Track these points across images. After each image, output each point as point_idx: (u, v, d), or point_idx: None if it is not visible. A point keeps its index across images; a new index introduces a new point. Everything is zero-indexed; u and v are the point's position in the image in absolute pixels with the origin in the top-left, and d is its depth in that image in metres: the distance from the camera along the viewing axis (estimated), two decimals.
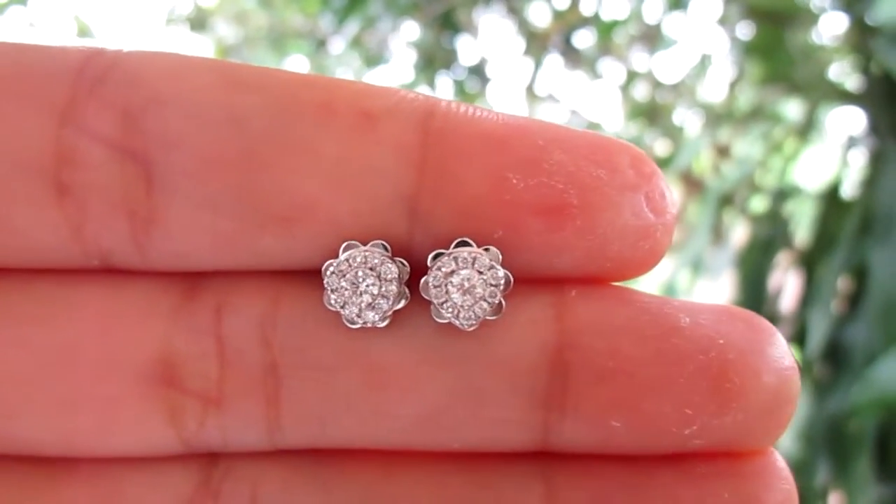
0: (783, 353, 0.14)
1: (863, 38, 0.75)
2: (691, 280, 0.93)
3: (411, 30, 1.20)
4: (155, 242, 0.14)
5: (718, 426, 0.14)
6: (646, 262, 0.14)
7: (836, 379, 0.68)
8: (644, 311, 0.14)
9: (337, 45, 1.24)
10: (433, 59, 1.19)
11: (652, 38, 1.09)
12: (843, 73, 0.89)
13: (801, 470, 0.67)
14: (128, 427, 0.14)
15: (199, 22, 1.37)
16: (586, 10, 1.08)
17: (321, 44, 1.25)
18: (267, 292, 0.15)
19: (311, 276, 0.14)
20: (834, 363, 0.69)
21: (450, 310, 0.14)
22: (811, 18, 0.85)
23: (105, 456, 0.15)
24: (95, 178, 0.13)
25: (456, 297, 0.14)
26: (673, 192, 0.14)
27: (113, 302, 0.14)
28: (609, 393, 0.14)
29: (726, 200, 0.93)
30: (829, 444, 0.66)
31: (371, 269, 0.14)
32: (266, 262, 0.14)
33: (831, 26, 0.85)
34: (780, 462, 0.15)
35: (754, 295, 0.79)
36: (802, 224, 0.87)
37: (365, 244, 0.14)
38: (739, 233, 0.97)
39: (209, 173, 0.13)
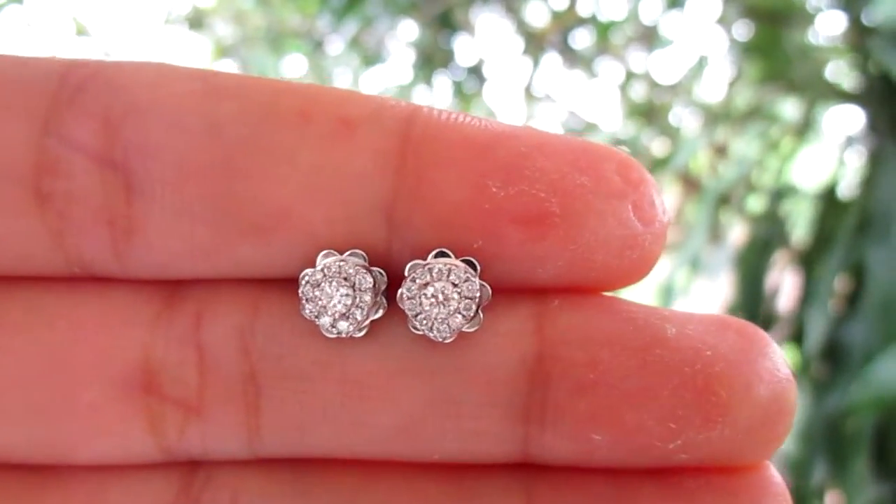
0: (777, 363, 0.14)
1: (860, 37, 0.75)
2: (689, 280, 0.93)
3: (409, 29, 1.20)
4: (135, 251, 0.14)
5: (705, 440, 0.13)
6: (634, 272, 0.14)
7: (834, 378, 0.68)
8: (628, 322, 0.14)
9: (335, 44, 1.24)
10: (431, 59, 1.19)
11: (649, 37, 1.09)
12: (841, 72, 0.89)
13: (799, 469, 0.67)
14: (108, 435, 0.14)
15: (196, 22, 1.36)
16: (584, 10, 1.08)
17: (319, 44, 1.25)
18: (246, 300, 0.14)
19: (289, 285, 0.14)
20: (832, 362, 0.69)
21: (424, 322, 0.14)
22: (808, 18, 0.85)
23: (86, 464, 0.15)
24: (76, 186, 0.13)
25: (429, 309, 0.14)
26: (664, 200, 0.14)
27: (94, 310, 0.14)
28: (589, 405, 0.14)
29: (724, 200, 0.93)
30: (826, 443, 0.66)
31: (345, 278, 0.14)
32: (245, 271, 0.14)
33: (829, 26, 0.85)
34: (775, 476, 0.14)
35: (752, 294, 0.79)
36: (800, 223, 0.87)
37: (342, 253, 0.14)
38: (737, 232, 0.98)
39: (187, 181, 0.13)
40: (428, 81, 1.21)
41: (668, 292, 0.92)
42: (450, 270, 0.14)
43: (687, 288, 0.96)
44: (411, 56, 1.22)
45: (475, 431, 0.14)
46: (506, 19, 1.17)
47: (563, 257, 0.14)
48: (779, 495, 0.14)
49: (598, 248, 0.13)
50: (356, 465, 0.15)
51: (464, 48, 1.19)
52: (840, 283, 0.72)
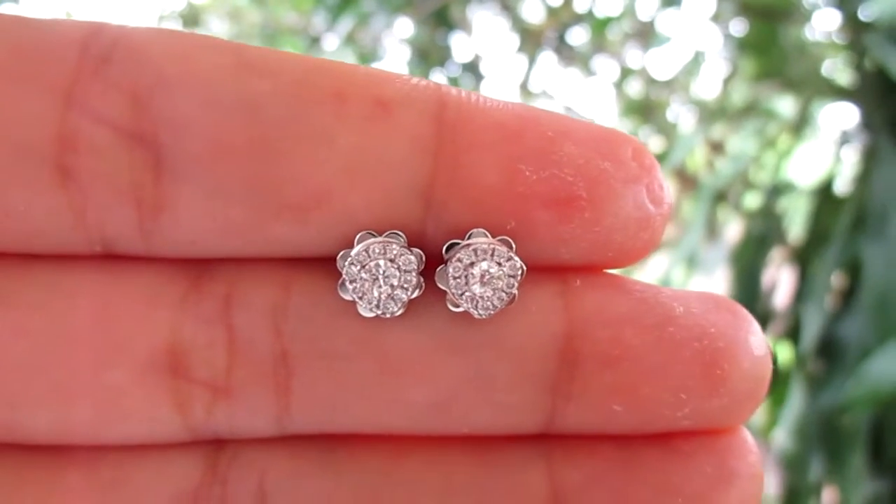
0: (761, 340, 0.15)
1: (856, 34, 0.75)
2: (686, 276, 0.93)
3: (405, 27, 1.20)
4: (162, 229, 0.14)
5: (707, 408, 0.15)
6: (643, 251, 0.15)
7: (830, 374, 0.68)
8: (642, 301, 0.15)
9: (331, 42, 1.23)
10: (427, 56, 1.19)
11: (646, 34, 1.09)
12: (837, 69, 0.90)
13: (795, 465, 0.68)
14: (134, 416, 0.14)
15: (191, 19, 1.36)
16: (580, 6, 1.08)
17: (315, 41, 1.24)
18: (278, 280, 0.14)
19: (322, 264, 0.14)
20: (828, 358, 0.69)
21: (468, 300, 0.14)
22: (804, 15, 0.85)
23: (109, 444, 0.15)
24: (101, 162, 0.13)
25: (476, 287, 0.14)
26: (669, 184, 0.15)
27: (117, 289, 0.14)
28: (613, 379, 0.14)
29: (720, 197, 0.94)
30: (822, 439, 0.66)
31: (390, 259, 0.14)
32: (277, 250, 0.14)
33: (824, 22, 0.85)
34: (748, 436, 0.16)
35: (748, 291, 0.80)
36: (796, 220, 0.87)
37: (379, 234, 0.14)
38: (733, 229, 0.98)
39: (220, 160, 0.13)
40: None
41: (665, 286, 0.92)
42: (493, 249, 0.14)
43: (684, 284, 0.96)
44: (407, 53, 1.21)
45: (507, 405, 0.15)
46: (502, 16, 1.17)
47: (587, 238, 0.14)
48: (754, 452, 0.15)
49: (618, 230, 0.14)
50: (383, 441, 0.15)
51: (460, 45, 1.19)
52: (836, 280, 0.72)
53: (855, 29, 0.75)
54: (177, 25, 1.35)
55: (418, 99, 0.14)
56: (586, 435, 0.15)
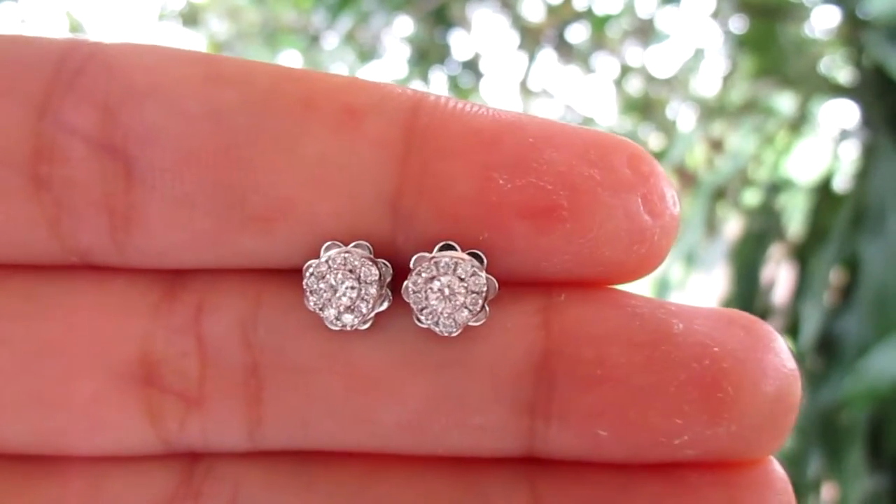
0: (783, 360, 0.14)
1: (854, 31, 0.75)
2: (685, 273, 0.94)
3: (405, 25, 1.20)
4: (134, 240, 0.14)
5: (711, 436, 0.13)
6: (642, 266, 0.14)
7: (829, 371, 0.68)
8: (635, 317, 0.14)
9: (330, 40, 1.24)
10: (427, 55, 1.19)
11: (645, 32, 1.09)
12: (835, 66, 0.90)
13: (794, 462, 0.68)
14: (107, 426, 0.14)
15: (191, 17, 1.36)
16: (579, 4, 1.08)
17: (314, 39, 1.24)
18: (248, 291, 0.14)
19: (293, 276, 0.14)
20: (826, 355, 0.69)
21: (429, 316, 0.14)
22: (803, 12, 0.85)
23: (84, 455, 0.15)
24: (74, 173, 0.13)
25: (435, 303, 0.14)
26: (674, 193, 0.14)
27: (92, 299, 0.14)
28: (596, 401, 0.14)
29: (719, 194, 0.94)
30: (821, 436, 0.67)
31: (350, 270, 0.14)
32: (247, 261, 0.14)
33: (823, 20, 0.85)
34: (778, 471, 0.14)
35: (747, 288, 0.80)
36: (795, 217, 0.87)
37: (346, 244, 0.14)
38: (733, 226, 0.98)
39: (187, 169, 0.13)
40: (424, 77, 1.21)
41: (664, 286, 0.93)
42: (456, 264, 0.13)
43: (683, 282, 0.96)
44: (407, 51, 1.21)
45: (480, 426, 0.14)
46: (501, 14, 1.17)
47: (570, 251, 0.13)
48: (782, 490, 0.14)
49: (606, 242, 0.13)
50: (360, 458, 0.15)
51: (460, 43, 1.19)
52: (835, 276, 0.72)
53: (853, 26, 0.75)
54: (176, 25, 1.35)
55: (389, 106, 0.13)
56: (577, 462, 0.14)
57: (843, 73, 0.87)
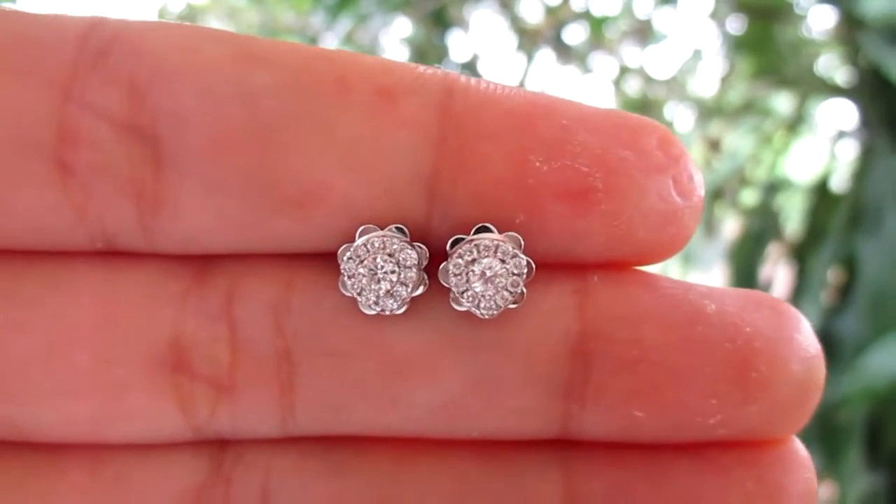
0: (810, 340, 0.14)
1: (851, 32, 0.75)
2: (683, 273, 0.94)
3: (403, 26, 1.20)
4: (163, 225, 0.13)
5: (744, 416, 0.13)
6: (671, 247, 0.14)
7: (827, 369, 0.68)
8: (668, 298, 0.14)
9: (329, 41, 1.24)
10: (425, 56, 1.19)
11: (643, 32, 1.10)
12: (833, 66, 0.90)
13: None
14: (136, 413, 0.14)
15: (190, 19, 1.36)
16: (577, 5, 1.08)
17: (313, 41, 1.24)
18: (280, 276, 0.14)
19: (325, 260, 0.14)
20: (824, 354, 0.69)
21: (470, 299, 0.14)
22: (800, 13, 0.85)
23: (112, 442, 0.14)
24: (100, 157, 0.13)
25: (477, 286, 0.13)
26: (700, 175, 0.14)
27: (120, 285, 0.14)
28: (632, 382, 0.13)
29: (718, 194, 0.94)
30: (819, 434, 0.67)
31: (390, 254, 0.13)
32: (279, 246, 0.14)
33: (820, 20, 0.85)
34: (802, 450, 0.14)
35: (746, 287, 0.80)
36: (793, 217, 0.88)
37: (382, 228, 0.13)
38: (731, 226, 0.98)
39: (219, 153, 0.13)
40: None
41: None
42: (497, 246, 0.13)
43: None
44: (405, 53, 1.22)
45: (516, 409, 0.14)
46: (499, 15, 1.17)
47: (604, 233, 0.13)
48: (806, 467, 0.14)
49: (640, 224, 0.13)
50: (391, 443, 0.15)
51: (458, 44, 1.19)
52: (832, 276, 0.72)
53: (850, 27, 0.75)
54: None
55: (423, 87, 0.13)
56: (608, 443, 0.14)
57: (840, 74, 0.87)
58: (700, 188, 0.14)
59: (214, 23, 1.39)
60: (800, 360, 0.13)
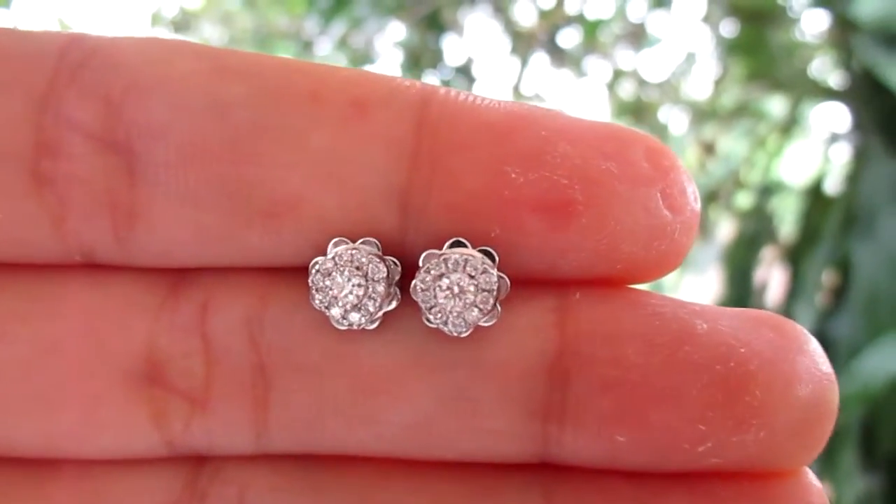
0: (818, 363, 0.13)
1: (844, 35, 0.76)
2: (678, 276, 0.94)
3: (397, 30, 1.20)
4: (138, 237, 0.13)
5: (739, 444, 0.12)
6: (662, 264, 0.13)
7: None
8: (654, 317, 0.13)
9: (323, 45, 1.24)
10: (419, 59, 1.19)
11: (637, 36, 1.10)
12: (826, 69, 0.90)
13: None
14: (111, 427, 0.14)
15: (183, 24, 1.36)
16: (571, 9, 1.08)
17: (307, 45, 1.24)
18: (254, 290, 0.14)
19: (299, 274, 0.14)
20: None
21: (438, 315, 0.13)
22: (793, 16, 0.86)
23: (88, 457, 0.14)
24: (77, 169, 0.13)
25: (444, 301, 0.13)
26: (695, 188, 0.13)
27: (95, 298, 0.14)
28: (612, 404, 0.13)
29: (712, 197, 0.94)
30: None
31: (357, 268, 0.13)
32: (253, 259, 0.14)
33: (813, 23, 0.86)
34: (814, 483, 0.13)
35: (740, 290, 0.80)
36: (787, 219, 0.88)
37: (354, 241, 0.13)
38: (725, 229, 0.98)
39: (192, 165, 0.13)
40: None
41: (656, 289, 0.93)
42: (466, 261, 0.13)
43: (676, 284, 0.97)
44: (400, 56, 1.22)
45: (491, 430, 0.13)
46: (494, 19, 1.17)
47: (586, 248, 0.13)
48: (819, 501, 0.13)
49: (625, 239, 0.13)
50: (368, 462, 0.14)
51: (452, 48, 1.19)
52: (827, 278, 0.73)
53: (843, 30, 0.76)
54: (168, 31, 1.35)
55: (398, 99, 0.13)
56: (594, 469, 0.14)
57: (834, 77, 0.87)
58: (695, 202, 0.13)
59: (208, 27, 1.39)
60: (805, 383, 0.12)
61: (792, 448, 0.13)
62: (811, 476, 0.13)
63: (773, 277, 0.84)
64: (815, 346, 0.13)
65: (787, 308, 0.74)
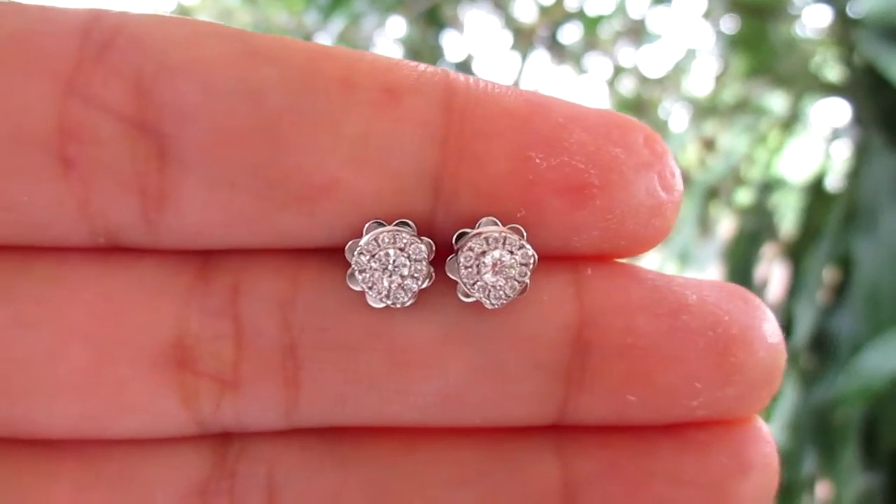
0: (775, 329, 0.15)
1: (846, 30, 0.75)
2: (679, 272, 0.94)
3: (397, 26, 1.20)
4: (167, 220, 0.13)
5: (721, 397, 0.14)
6: (655, 239, 0.15)
7: (822, 369, 0.68)
8: (655, 289, 0.15)
9: (322, 41, 1.23)
10: (419, 56, 1.19)
11: (637, 32, 1.10)
12: (827, 65, 0.90)
13: (789, 460, 0.68)
14: (140, 410, 0.14)
15: None
16: (571, 5, 1.08)
17: (306, 40, 1.24)
18: (285, 271, 0.14)
19: (330, 255, 0.14)
20: (820, 353, 0.69)
21: (480, 290, 0.14)
22: (794, 11, 0.85)
23: (113, 438, 0.14)
24: (104, 152, 0.13)
25: (488, 277, 0.14)
26: (679, 170, 0.15)
27: (122, 281, 0.14)
28: (626, 368, 0.14)
29: (712, 193, 0.94)
30: (815, 434, 0.67)
31: (401, 249, 0.14)
32: (284, 241, 0.14)
33: (814, 19, 0.85)
34: (764, 426, 0.15)
35: (741, 286, 0.80)
36: (788, 216, 0.88)
37: (388, 223, 0.14)
38: (726, 225, 0.98)
39: (224, 149, 0.13)
40: None
41: None
42: (505, 238, 0.14)
43: None
44: (399, 52, 1.21)
45: (519, 395, 0.15)
46: (494, 15, 1.17)
47: (598, 226, 0.14)
48: (769, 442, 0.15)
49: (630, 217, 0.14)
50: (393, 433, 0.15)
51: (452, 44, 1.19)
52: (828, 275, 0.72)
53: (844, 25, 0.75)
54: None
55: (426, 86, 0.13)
56: (600, 426, 0.15)
57: (835, 72, 0.87)
58: (680, 183, 0.14)
59: None
60: (766, 347, 0.15)
61: (756, 399, 0.15)
62: (760, 420, 0.15)
63: (773, 274, 0.83)
64: (771, 314, 0.15)
65: (788, 305, 0.74)
